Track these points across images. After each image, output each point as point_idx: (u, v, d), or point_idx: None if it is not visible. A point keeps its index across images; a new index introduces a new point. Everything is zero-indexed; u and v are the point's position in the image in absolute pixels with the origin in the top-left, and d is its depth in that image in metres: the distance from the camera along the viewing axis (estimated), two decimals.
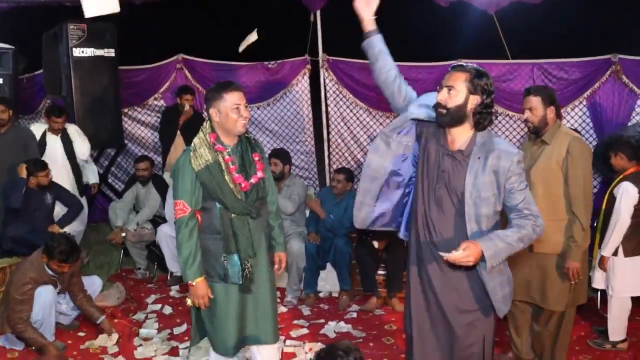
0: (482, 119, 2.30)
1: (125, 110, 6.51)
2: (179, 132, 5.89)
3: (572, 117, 5.52)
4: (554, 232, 3.10)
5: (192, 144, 2.65)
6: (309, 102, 6.27)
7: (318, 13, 6.07)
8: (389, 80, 2.53)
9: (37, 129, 5.40)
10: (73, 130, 5.47)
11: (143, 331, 4.13)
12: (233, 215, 2.63)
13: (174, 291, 4.98)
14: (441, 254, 2.22)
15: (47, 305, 3.80)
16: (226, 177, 2.60)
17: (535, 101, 3.16)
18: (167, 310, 4.58)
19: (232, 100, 2.59)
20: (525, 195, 2.29)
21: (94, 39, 5.77)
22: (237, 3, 6.33)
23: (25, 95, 6.83)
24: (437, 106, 2.32)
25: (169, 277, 5.20)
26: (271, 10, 6.75)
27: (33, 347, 3.75)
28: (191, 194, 2.61)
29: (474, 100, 2.28)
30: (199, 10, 6.49)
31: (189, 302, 2.71)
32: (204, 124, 2.71)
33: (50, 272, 3.81)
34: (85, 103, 5.78)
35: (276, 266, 2.94)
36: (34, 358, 3.75)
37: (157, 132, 6.46)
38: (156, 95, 6.55)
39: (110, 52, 5.92)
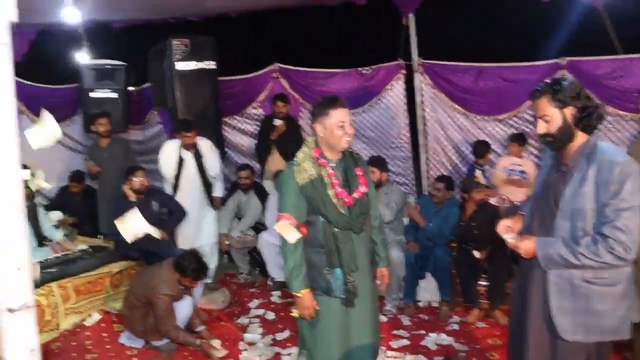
0: (587, 122, 2.24)
1: (225, 119, 6.76)
2: (275, 147, 6.05)
3: None
4: None
5: (296, 158, 2.69)
6: (404, 107, 6.20)
7: (411, 16, 5.99)
8: None
9: (172, 145, 5.39)
10: (206, 145, 5.43)
11: (247, 336, 4.26)
12: (336, 229, 2.65)
13: (275, 296, 5.09)
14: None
15: (187, 312, 4.14)
16: (329, 191, 2.62)
17: None
18: (270, 315, 4.69)
19: (337, 117, 2.60)
20: (618, 217, 2.09)
21: (196, 53, 6.04)
22: (329, 10, 6.37)
23: (135, 107, 7.29)
24: (544, 137, 2.30)
25: (270, 283, 5.33)
26: (362, 16, 6.74)
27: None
28: (296, 208, 2.65)
29: (569, 112, 2.23)
30: (293, 19, 6.62)
31: (295, 313, 2.75)
32: (308, 138, 2.75)
33: (181, 287, 4.03)
34: (189, 114, 6.05)
35: (378, 281, 2.93)
36: (152, 356, 4.00)
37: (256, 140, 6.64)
38: (254, 104, 6.75)
39: (211, 65, 6.18)
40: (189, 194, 5.25)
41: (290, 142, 5.74)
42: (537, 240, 2.26)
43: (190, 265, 3.94)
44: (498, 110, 5.69)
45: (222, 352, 3.98)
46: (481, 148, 5.53)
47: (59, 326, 4.39)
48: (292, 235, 2.58)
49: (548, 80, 2.29)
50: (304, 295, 2.66)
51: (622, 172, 2.10)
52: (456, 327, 4.37)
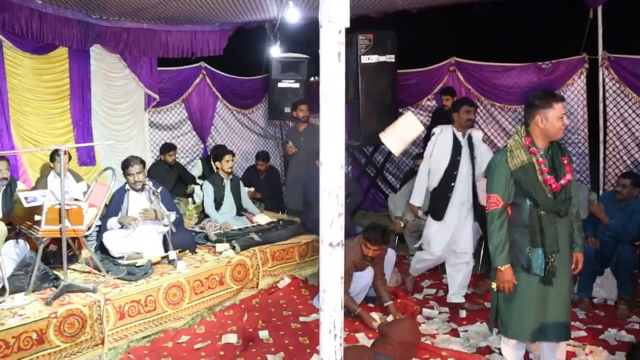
0: None
1: (401, 110, 7.11)
2: None
3: None
4: None
5: (508, 145, 2.95)
6: (584, 102, 6.10)
7: (599, 9, 5.85)
8: None
9: (447, 130, 4.55)
10: (478, 136, 4.58)
11: (425, 311, 4.59)
12: (542, 212, 2.87)
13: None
14: None
15: (366, 285, 4.55)
16: (539, 177, 2.86)
17: None
18: (441, 293, 4.98)
19: (559, 109, 2.85)
20: None
21: (378, 47, 6.46)
22: (508, 3, 6.40)
23: (315, 97, 7.90)
24: None
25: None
26: (545, 9, 6.67)
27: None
28: (505, 190, 2.91)
29: None
30: (471, 14, 6.75)
31: (493, 285, 3.01)
32: (520, 127, 2.98)
33: (365, 256, 4.43)
34: (369, 104, 6.51)
35: (573, 266, 3.08)
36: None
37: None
38: (429, 96, 7.02)
39: (390, 58, 6.57)
40: (460, 192, 4.50)
41: None
42: None
43: (372, 231, 4.32)
44: None
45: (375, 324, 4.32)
46: None
47: (258, 285, 5.06)
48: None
49: None
50: (505, 269, 2.92)
51: None
52: (637, 326, 4.31)
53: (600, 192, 5.87)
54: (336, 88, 1.58)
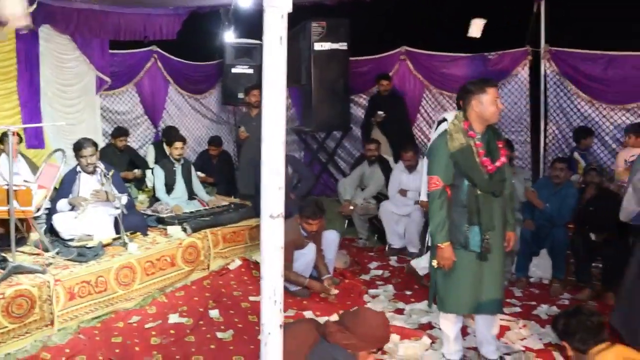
0: None
1: (353, 97, 7.27)
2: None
3: None
4: None
5: (448, 129, 3.12)
6: (527, 93, 6.39)
7: (542, 3, 6.12)
8: None
9: None
10: None
11: (371, 290, 4.77)
12: (479, 192, 3.06)
13: (392, 261, 5.56)
14: None
15: (310, 261, 4.70)
16: (476, 159, 3.04)
17: None
18: (387, 274, 5.19)
19: (493, 94, 3.03)
20: None
21: (331, 34, 6.59)
22: None
23: None
24: None
25: (387, 249, 5.80)
26: (493, 1, 6.91)
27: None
28: (445, 171, 3.08)
29: None
30: (421, 3, 6.94)
31: (434, 262, 3.18)
32: (458, 113, 3.16)
33: (303, 232, 4.60)
34: (322, 91, 6.63)
35: (505, 243, 3.29)
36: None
37: None
38: None
39: (343, 46, 6.72)
40: None
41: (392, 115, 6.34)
42: None
43: (308, 207, 4.54)
44: (626, 99, 5.73)
45: (334, 291, 4.57)
46: (579, 134, 5.78)
47: (209, 266, 5.13)
48: None
49: None
50: (445, 247, 3.10)
51: None
52: (567, 302, 4.60)
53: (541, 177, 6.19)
54: (278, 71, 1.68)
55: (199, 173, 6.44)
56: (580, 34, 6.48)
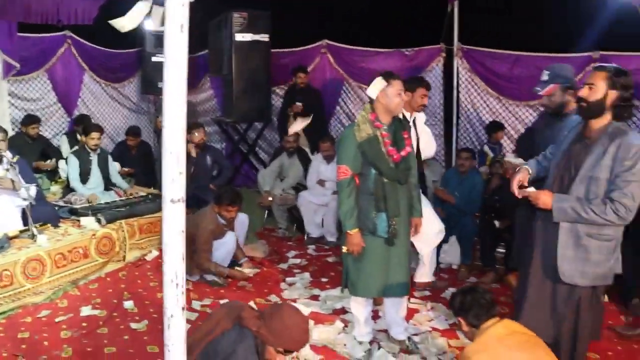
0: (622, 111, 2.67)
1: (275, 88, 7.30)
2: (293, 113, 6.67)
3: None
4: None
5: (356, 120, 3.25)
6: (441, 88, 6.67)
7: (456, 3, 6.40)
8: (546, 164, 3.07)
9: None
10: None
11: (288, 278, 4.86)
12: (385, 180, 3.20)
13: (310, 249, 5.68)
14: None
15: (230, 250, 4.75)
16: (382, 149, 3.18)
17: None
18: (304, 262, 5.31)
19: (397, 87, 3.18)
20: (625, 185, 2.56)
21: (252, 26, 6.60)
22: None
23: (189, 73, 7.83)
24: (579, 100, 2.75)
25: (306, 238, 5.91)
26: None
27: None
28: (353, 161, 3.20)
29: (613, 95, 2.65)
30: None
31: (344, 249, 3.31)
32: (366, 105, 3.29)
33: (222, 221, 4.62)
34: (242, 81, 6.63)
35: (412, 229, 3.46)
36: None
37: None
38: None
39: (264, 37, 6.74)
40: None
41: (308, 107, 6.53)
42: (554, 195, 2.73)
43: (226, 194, 4.60)
44: (530, 96, 6.11)
45: (253, 271, 4.71)
46: (490, 128, 6.15)
47: (125, 258, 5.04)
48: None
49: (616, 65, 2.71)
50: (354, 233, 3.23)
51: (637, 152, 2.56)
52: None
53: None
54: (179, 59, 1.71)
55: (116, 163, 6.29)
56: (490, 34, 6.85)
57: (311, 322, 3.86)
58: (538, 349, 2.45)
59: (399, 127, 3.30)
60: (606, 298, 4.43)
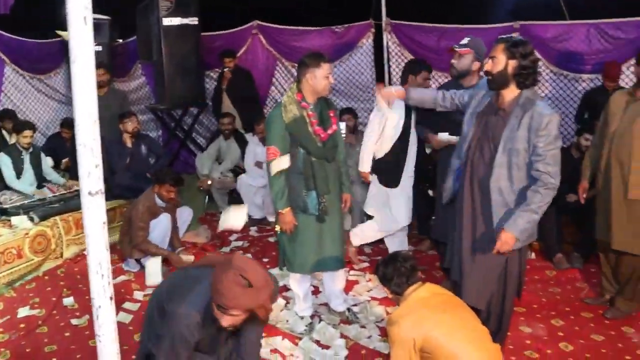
0: (523, 79, 2.80)
1: (207, 72, 7.22)
2: (225, 94, 6.68)
3: (627, 76, 5.75)
4: None
5: (283, 101, 3.28)
6: (372, 63, 6.77)
7: None
8: (444, 103, 3.29)
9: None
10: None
11: None
12: (313, 159, 3.28)
13: (252, 231, 5.72)
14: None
15: (166, 230, 4.74)
16: (309, 128, 3.25)
17: None
18: (246, 244, 5.38)
19: (326, 69, 3.23)
20: (545, 154, 2.70)
21: (180, 9, 6.48)
22: None
23: (120, 60, 7.66)
24: (486, 74, 2.88)
25: (247, 219, 5.93)
26: None
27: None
28: (281, 141, 3.25)
29: (513, 64, 2.78)
30: None
31: (277, 228, 3.38)
32: (292, 85, 3.33)
33: (160, 203, 4.62)
34: (173, 67, 6.53)
35: (342, 204, 3.56)
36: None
37: None
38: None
39: (194, 21, 6.64)
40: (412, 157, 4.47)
41: (240, 89, 6.55)
42: (508, 229, 2.76)
43: (168, 174, 4.63)
44: None
45: (190, 258, 4.74)
46: None
47: (63, 254, 4.94)
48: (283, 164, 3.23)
49: (515, 36, 2.83)
50: (286, 212, 3.30)
51: (549, 121, 2.71)
52: (410, 254, 5.05)
53: None
54: (85, 51, 1.71)
55: (48, 158, 6.12)
56: (417, 8, 7.00)
57: None
58: (460, 308, 2.60)
59: (325, 106, 3.37)
60: (533, 255, 4.72)
